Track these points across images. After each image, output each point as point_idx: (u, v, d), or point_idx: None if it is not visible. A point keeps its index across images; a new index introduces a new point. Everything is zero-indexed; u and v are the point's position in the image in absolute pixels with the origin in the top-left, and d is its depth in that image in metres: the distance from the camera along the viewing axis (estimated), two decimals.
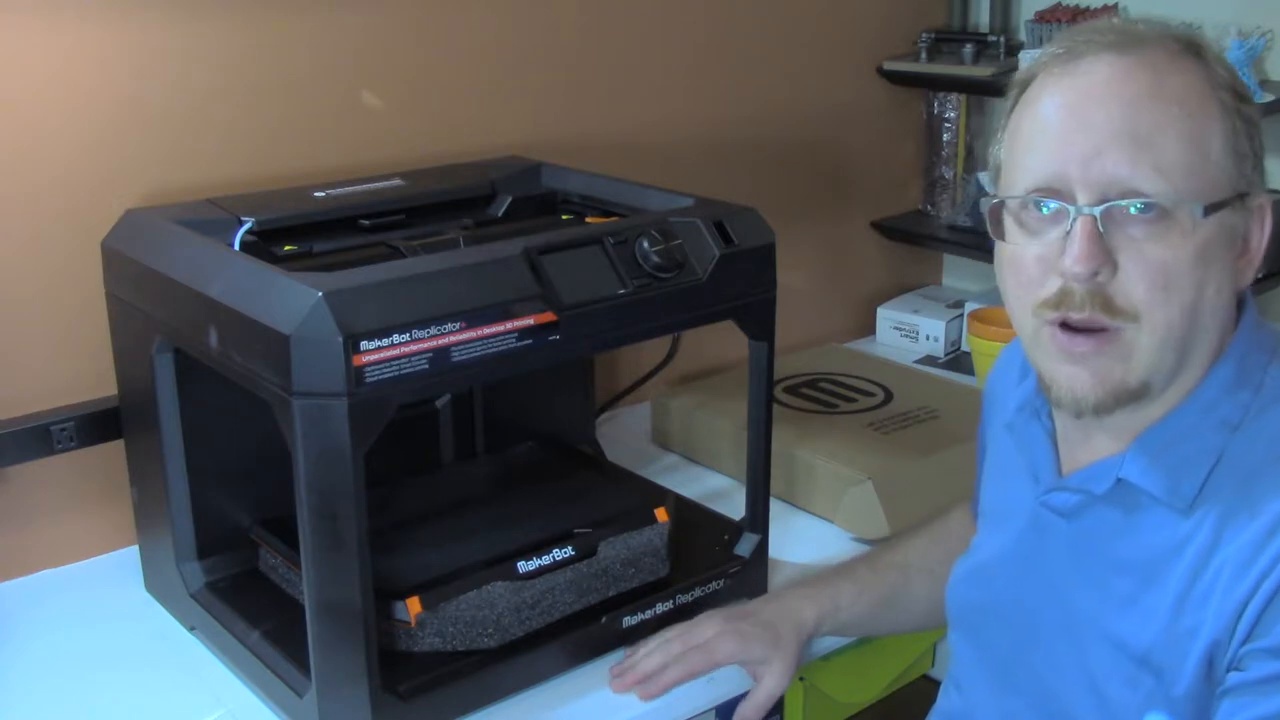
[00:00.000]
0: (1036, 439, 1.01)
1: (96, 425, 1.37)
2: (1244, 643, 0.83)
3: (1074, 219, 0.87)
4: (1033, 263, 0.90)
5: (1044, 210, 0.89)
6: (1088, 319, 0.88)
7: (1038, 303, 0.90)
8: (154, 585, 1.34)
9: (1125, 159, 0.85)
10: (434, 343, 1.01)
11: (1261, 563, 0.83)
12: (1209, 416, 0.90)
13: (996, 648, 1.04)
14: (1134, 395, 0.90)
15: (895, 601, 1.25)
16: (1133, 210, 0.85)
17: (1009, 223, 0.92)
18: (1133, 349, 0.88)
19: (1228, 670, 0.85)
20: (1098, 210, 0.86)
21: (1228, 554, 0.85)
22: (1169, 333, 0.87)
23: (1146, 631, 0.89)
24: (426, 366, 1.01)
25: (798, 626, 1.20)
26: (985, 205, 0.93)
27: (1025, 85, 0.93)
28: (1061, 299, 0.88)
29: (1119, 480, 0.92)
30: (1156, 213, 0.85)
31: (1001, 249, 0.94)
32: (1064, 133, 0.87)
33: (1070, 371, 0.90)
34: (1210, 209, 0.85)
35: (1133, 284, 0.86)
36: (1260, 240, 0.90)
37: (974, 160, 2.10)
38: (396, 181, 1.38)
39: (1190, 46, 0.89)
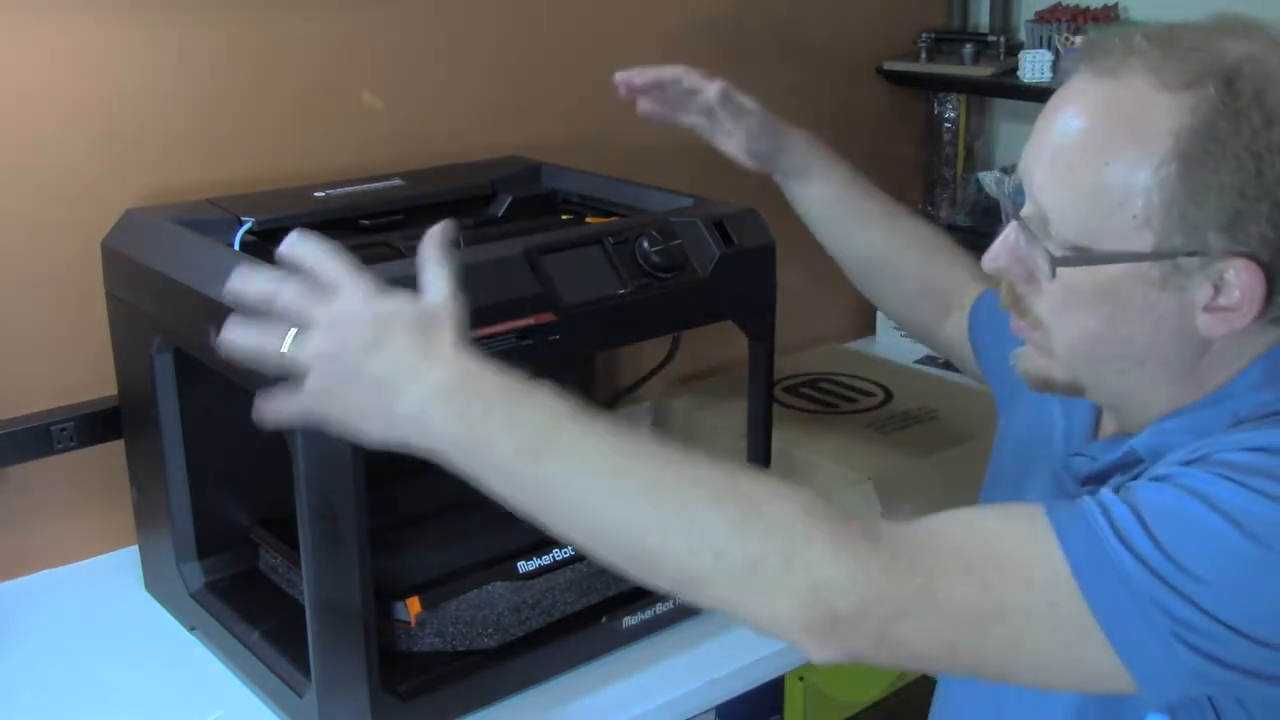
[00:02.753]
0: (1082, 405, 1.01)
1: (96, 425, 1.36)
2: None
3: (1009, 219, 0.90)
4: None
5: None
6: (1007, 307, 0.93)
7: None
8: (154, 585, 1.34)
9: (1046, 184, 0.86)
10: None
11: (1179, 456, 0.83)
12: (1225, 410, 0.88)
13: None
14: (1067, 388, 0.93)
15: (855, 215, 1.31)
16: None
17: None
18: (1049, 349, 0.91)
19: None
20: (1019, 221, 0.88)
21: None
22: (1074, 353, 0.89)
23: None
24: None
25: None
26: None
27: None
28: (999, 280, 0.93)
29: (1129, 450, 0.91)
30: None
31: None
32: (1031, 141, 0.89)
33: (1019, 345, 0.95)
34: (1083, 258, 0.84)
35: (1039, 297, 0.89)
36: (1241, 298, 0.83)
37: (974, 160, 2.10)
38: (396, 182, 1.38)
39: (1211, 79, 0.80)
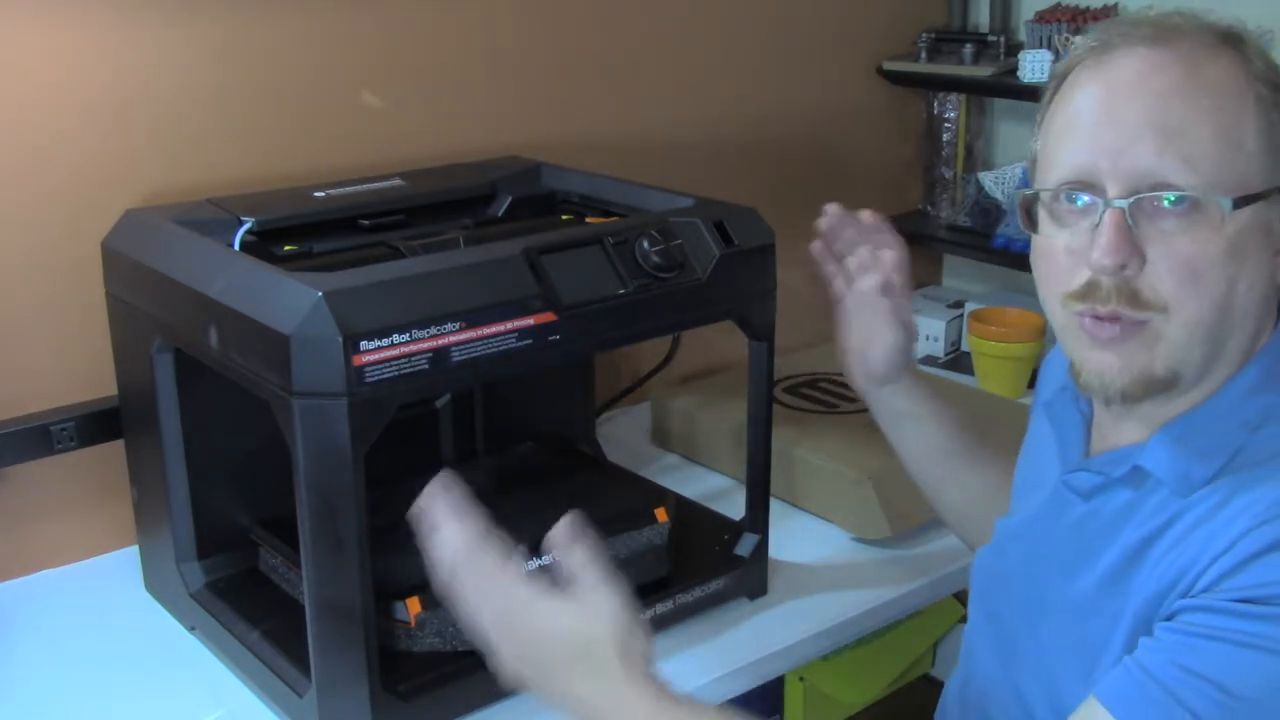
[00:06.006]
0: (1071, 422, 1.02)
1: (96, 425, 1.37)
2: (1183, 596, 0.84)
3: (1103, 211, 0.87)
4: (1063, 254, 0.91)
5: (1075, 203, 0.90)
6: (1112, 312, 0.88)
7: (1067, 294, 0.91)
8: (154, 585, 1.34)
9: (1153, 151, 0.85)
10: (434, 343, 1.01)
11: (1231, 534, 0.83)
12: (1232, 416, 0.89)
13: (1007, 620, 1.04)
14: (1163, 385, 0.90)
15: (968, 456, 1.26)
16: (1164, 204, 0.86)
17: (1042, 215, 0.93)
18: (1160, 337, 0.88)
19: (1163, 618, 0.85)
20: (1126, 203, 0.86)
21: (1207, 529, 0.85)
22: (1197, 326, 0.87)
23: (1128, 612, 0.90)
24: (426, 366, 1.01)
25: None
26: (1018, 197, 0.95)
27: (1062, 78, 0.93)
28: (1089, 291, 0.89)
29: (1135, 467, 0.92)
30: (1186, 205, 0.85)
31: (1035, 241, 0.95)
32: (1095, 126, 0.88)
33: (1099, 357, 0.90)
34: (1240, 201, 0.85)
35: (1160, 277, 0.87)
36: None
37: (974, 160, 2.10)
38: (396, 181, 1.38)
39: (1228, 38, 0.88)
